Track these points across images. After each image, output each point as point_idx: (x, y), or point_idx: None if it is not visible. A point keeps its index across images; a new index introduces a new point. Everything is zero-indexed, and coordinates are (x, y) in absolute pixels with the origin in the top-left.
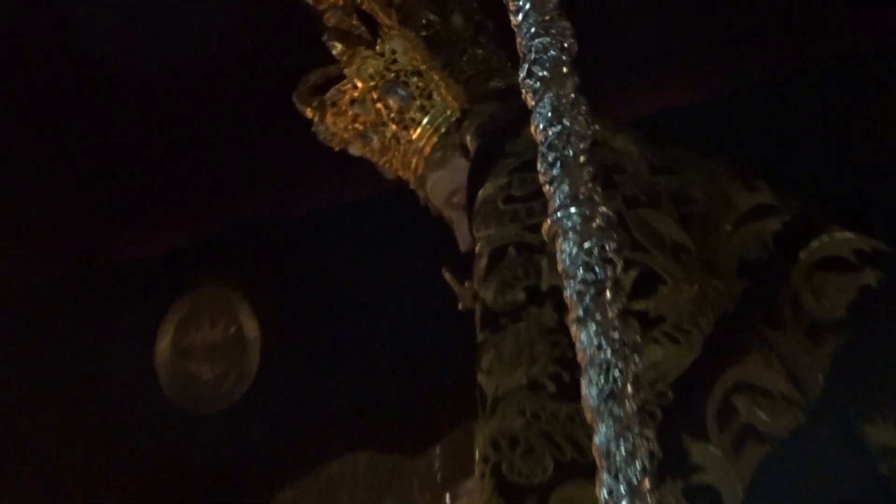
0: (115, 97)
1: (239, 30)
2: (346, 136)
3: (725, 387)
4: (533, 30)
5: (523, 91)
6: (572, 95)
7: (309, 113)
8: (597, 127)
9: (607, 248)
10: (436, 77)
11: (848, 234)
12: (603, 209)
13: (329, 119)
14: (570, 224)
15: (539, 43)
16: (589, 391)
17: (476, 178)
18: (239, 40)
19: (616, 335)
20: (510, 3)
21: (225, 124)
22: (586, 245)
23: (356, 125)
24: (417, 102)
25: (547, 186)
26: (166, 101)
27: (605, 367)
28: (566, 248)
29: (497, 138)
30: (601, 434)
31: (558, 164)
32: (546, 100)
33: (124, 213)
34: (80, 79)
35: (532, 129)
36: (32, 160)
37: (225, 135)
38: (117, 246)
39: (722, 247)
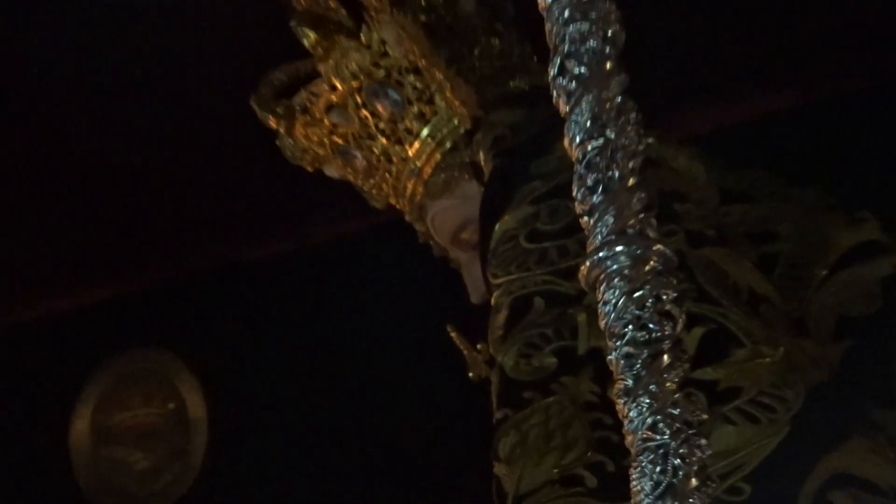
0: (28, 142)
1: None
2: (320, 152)
3: (820, 480)
4: (567, 13)
5: (554, 93)
6: (618, 99)
7: (272, 122)
8: (651, 140)
9: (664, 298)
10: (439, 76)
11: None
12: (659, 248)
13: (299, 130)
14: (615, 267)
15: (575, 30)
16: (641, 486)
17: (492, 209)
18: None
19: (676, 412)
20: None
21: (161, 157)
22: (637, 295)
23: (334, 138)
24: (415, 109)
25: (585, 218)
26: (85, 139)
27: (661, 454)
28: (611, 299)
29: (519, 156)
30: None
31: (600, 188)
32: (584, 105)
33: (33, 265)
34: None
35: (566, 143)
36: None
37: (161, 171)
38: (23, 304)
39: (815, 298)
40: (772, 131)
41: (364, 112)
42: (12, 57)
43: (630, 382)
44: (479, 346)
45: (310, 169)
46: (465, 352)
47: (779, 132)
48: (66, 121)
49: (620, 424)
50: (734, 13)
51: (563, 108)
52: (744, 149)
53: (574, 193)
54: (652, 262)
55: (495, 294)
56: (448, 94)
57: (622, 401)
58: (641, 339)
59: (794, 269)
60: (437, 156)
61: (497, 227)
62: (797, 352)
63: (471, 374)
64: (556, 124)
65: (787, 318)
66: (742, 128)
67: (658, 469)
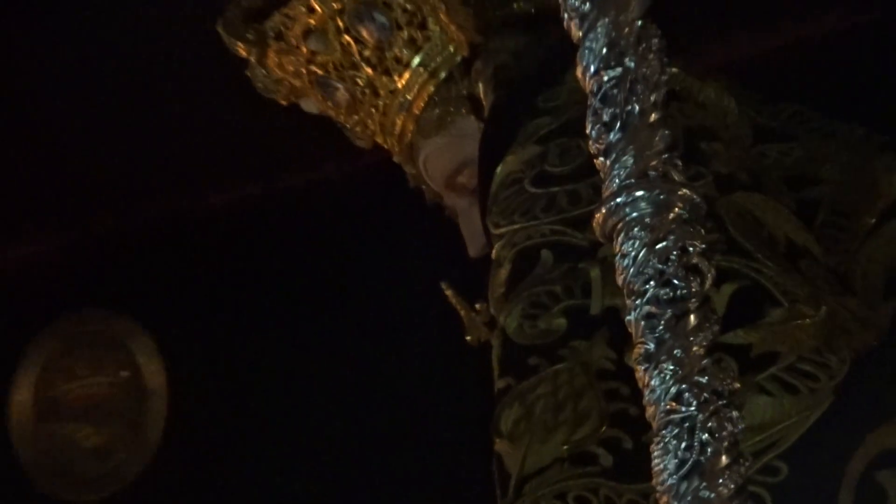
0: None
1: None
2: (297, 83)
3: (868, 458)
4: None
5: (564, 15)
6: (639, 23)
7: (241, 50)
8: (675, 70)
9: (691, 250)
10: None
11: None
12: (685, 192)
13: (272, 59)
14: (635, 215)
15: None
16: (664, 464)
17: (493, 148)
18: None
19: (704, 380)
20: None
21: (117, 93)
22: (660, 246)
23: (313, 68)
24: (405, 34)
25: (601, 159)
26: (34, 72)
27: (687, 427)
28: (630, 251)
29: (524, 87)
30: None
31: (618, 125)
32: (600, 29)
33: None
34: None
35: (578, 73)
36: None
37: (118, 108)
38: None
39: (862, 251)
40: (814, 59)
41: (347, 38)
42: None
43: (651, 346)
44: (477, 306)
45: (284, 103)
46: (462, 312)
47: (822, 60)
48: (13, 49)
49: (640, 395)
50: None
51: (576, 32)
52: (782, 80)
53: (588, 131)
54: (677, 209)
55: (497, 246)
56: (442, 16)
57: (642, 367)
58: (665, 296)
59: (839, 218)
60: (430, 88)
61: (499, 169)
62: (841, 312)
63: (468, 338)
64: (567, 51)
65: (830, 274)
66: (780, 56)
67: (683, 445)
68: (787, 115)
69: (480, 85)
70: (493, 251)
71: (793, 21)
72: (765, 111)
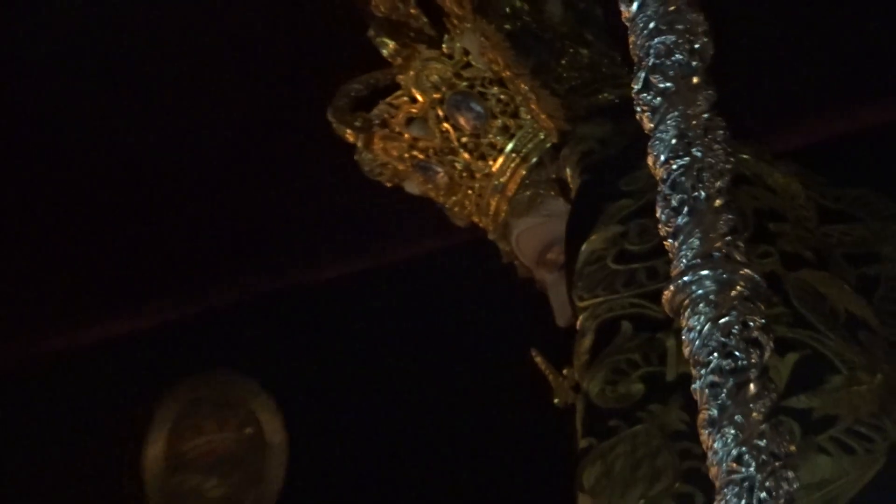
0: (91, 162)
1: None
2: (400, 167)
3: None
4: (653, 25)
5: (638, 109)
6: (706, 116)
7: (350, 136)
8: (746, 157)
9: (752, 324)
10: (524, 87)
11: None
12: (747, 272)
13: (378, 144)
14: (700, 292)
15: (660, 43)
16: None
17: (579, 227)
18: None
19: (763, 444)
20: None
21: (236, 172)
22: (723, 321)
23: (415, 153)
24: (499, 122)
25: (670, 240)
26: (155, 155)
27: (747, 487)
28: (695, 325)
29: (608, 172)
30: None
31: (685, 209)
32: (670, 121)
33: (101, 281)
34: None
35: (650, 161)
36: None
37: (237, 186)
38: (91, 326)
39: None
40: (875, 146)
41: (445, 125)
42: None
43: (715, 412)
44: (564, 372)
45: (389, 185)
46: (551, 377)
47: (883, 147)
48: (136, 138)
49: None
50: (834, 18)
51: (648, 124)
52: (845, 165)
53: (658, 214)
54: (739, 287)
55: (581, 317)
56: (533, 106)
57: (706, 431)
58: (727, 367)
59: None
60: (522, 171)
61: (584, 247)
62: None
63: (556, 401)
64: (646, 138)
65: (887, 344)
66: (843, 143)
67: (743, 502)
68: (852, 198)
69: (568, 169)
70: (578, 322)
71: (855, 109)
72: (829, 194)
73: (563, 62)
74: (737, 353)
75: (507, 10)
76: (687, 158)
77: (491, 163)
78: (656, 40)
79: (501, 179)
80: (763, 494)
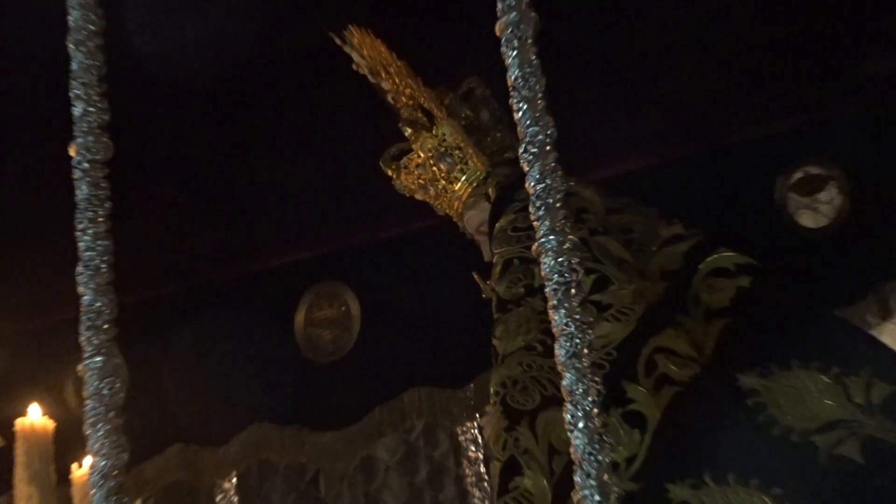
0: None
1: None
2: (413, 187)
3: (650, 349)
4: (528, 122)
5: (521, 161)
6: (553, 164)
7: (390, 172)
8: (572, 183)
9: (573, 262)
10: (470, 151)
11: (730, 253)
12: (571, 237)
13: (402, 176)
14: (549, 246)
15: (531, 130)
16: (560, 352)
17: (495, 215)
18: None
19: (577, 316)
20: (514, 105)
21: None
22: (560, 259)
23: (420, 180)
24: (458, 167)
25: (536, 222)
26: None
27: (570, 337)
28: (547, 262)
29: (509, 190)
30: (567, 379)
31: (543, 208)
32: (536, 167)
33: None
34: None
35: (527, 185)
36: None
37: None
38: (266, 257)
39: (650, 261)
40: (643, 180)
41: (434, 168)
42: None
43: (556, 302)
44: (487, 283)
45: (407, 195)
46: (482, 285)
47: (653, 180)
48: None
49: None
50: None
51: (526, 168)
52: (621, 187)
53: (531, 210)
54: (568, 244)
55: (495, 257)
56: (475, 159)
57: (552, 311)
58: (561, 281)
59: (641, 247)
60: (470, 189)
61: (497, 224)
62: (641, 287)
63: (484, 295)
64: (524, 175)
65: (637, 271)
66: (623, 178)
67: (569, 344)
68: (621, 203)
69: (490, 189)
70: (494, 259)
71: (632, 154)
72: (611, 201)
73: (489, 139)
74: (566, 274)
75: (463, 115)
76: (544, 184)
77: (456, 186)
78: (530, 129)
79: (460, 193)
80: (578, 341)
